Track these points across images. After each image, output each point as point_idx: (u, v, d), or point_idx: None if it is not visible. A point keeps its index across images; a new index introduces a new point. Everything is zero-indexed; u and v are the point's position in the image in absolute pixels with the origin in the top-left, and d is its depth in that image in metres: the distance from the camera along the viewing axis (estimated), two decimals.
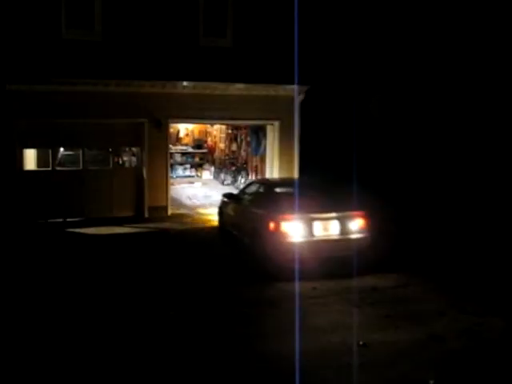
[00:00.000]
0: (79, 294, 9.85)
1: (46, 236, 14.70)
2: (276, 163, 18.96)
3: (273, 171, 19.14)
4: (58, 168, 16.92)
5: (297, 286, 9.84)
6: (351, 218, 11.48)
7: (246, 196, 13.79)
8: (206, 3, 17.59)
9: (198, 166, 27.01)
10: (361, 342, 7.63)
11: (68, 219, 16.42)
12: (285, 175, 18.72)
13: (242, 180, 22.94)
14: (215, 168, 26.76)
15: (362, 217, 11.58)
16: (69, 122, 16.25)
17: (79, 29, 16.20)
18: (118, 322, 8.52)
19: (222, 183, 24.21)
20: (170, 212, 17.68)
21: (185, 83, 17.19)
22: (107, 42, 16.35)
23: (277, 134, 18.85)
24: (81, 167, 16.87)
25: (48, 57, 15.60)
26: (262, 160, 20.83)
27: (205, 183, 24.92)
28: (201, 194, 21.78)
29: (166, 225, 16.29)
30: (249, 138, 22.88)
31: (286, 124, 18.69)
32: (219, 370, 6.94)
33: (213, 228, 15.90)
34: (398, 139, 17.06)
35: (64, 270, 11.29)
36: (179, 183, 23.81)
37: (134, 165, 17.96)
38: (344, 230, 11.35)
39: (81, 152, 16.86)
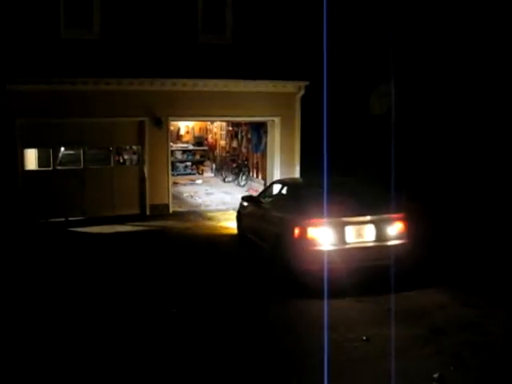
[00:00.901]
0: (80, 293, 9.86)
1: (48, 235, 14.70)
2: (277, 160, 18.94)
3: (274, 168, 19.11)
4: (59, 167, 16.90)
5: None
6: (389, 221, 10.21)
7: (267, 198, 12.74)
8: (204, 0, 17.56)
9: (198, 164, 27.01)
10: None
11: (69, 218, 16.43)
12: (286, 172, 18.69)
13: (244, 177, 22.94)
14: (216, 165, 26.77)
15: (401, 220, 10.29)
16: (69, 121, 16.23)
17: (78, 28, 16.18)
18: (113, 330, 8.39)
19: (224, 180, 24.20)
20: (171, 210, 17.67)
21: (185, 80, 17.16)
22: (106, 40, 16.33)
23: (277, 131, 18.83)
24: (82, 166, 16.86)
25: (47, 56, 15.57)
26: (263, 157, 20.83)
27: (206, 180, 24.92)
28: (202, 192, 21.76)
29: (169, 223, 16.28)
30: (249, 135, 22.87)
31: (286, 120, 18.67)
32: None
33: (217, 227, 15.87)
34: (400, 135, 17.01)
35: (65, 269, 11.32)
36: (180, 181, 23.79)
37: (134, 163, 17.94)
38: (380, 236, 10.10)
39: (81, 151, 16.85)
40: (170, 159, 18.55)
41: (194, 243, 13.93)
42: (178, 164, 25.62)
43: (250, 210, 13.24)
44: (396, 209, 10.49)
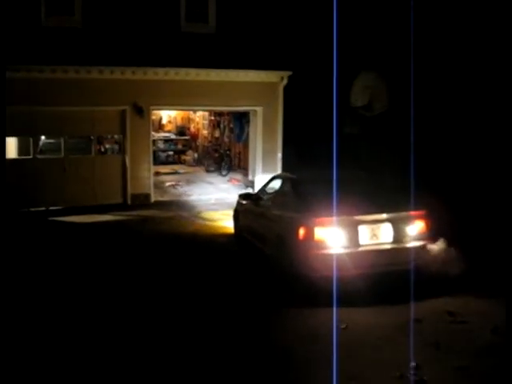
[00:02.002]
0: (49, 287, 9.61)
1: (28, 225, 14.59)
2: (259, 149, 18.92)
3: (256, 158, 19.11)
4: (40, 156, 16.77)
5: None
6: (408, 219, 9.04)
7: (268, 195, 11.41)
8: None
9: (180, 153, 26.91)
10: None
11: (51, 208, 16.32)
12: (268, 162, 18.72)
13: (226, 167, 22.93)
14: (198, 155, 26.70)
15: (422, 218, 9.12)
16: (50, 109, 16.09)
17: (59, 16, 16.05)
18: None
19: (206, 170, 24.15)
20: (153, 199, 17.63)
21: (167, 69, 17.07)
22: (88, 29, 16.20)
23: (260, 121, 18.80)
24: (62, 155, 16.75)
25: (28, 44, 15.41)
26: (246, 146, 20.84)
27: (188, 170, 24.84)
28: (184, 181, 21.71)
29: (150, 212, 16.22)
30: (232, 125, 22.85)
31: (269, 110, 18.65)
32: None
33: (198, 218, 15.81)
34: (384, 127, 17.03)
35: (43, 260, 11.21)
36: (162, 170, 23.71)
37: (116, 152, 17.84)
38: (399, 237, 8.94)
39: (62, 140, 16.74)
40: (152, 148, 18.50)
41: (175, 237, 13.54)
42: (159, 153, 25.52)
43: (249, 209, 12.02)
44: (417, 205, 9.16)
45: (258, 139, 19.01)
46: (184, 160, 26.42)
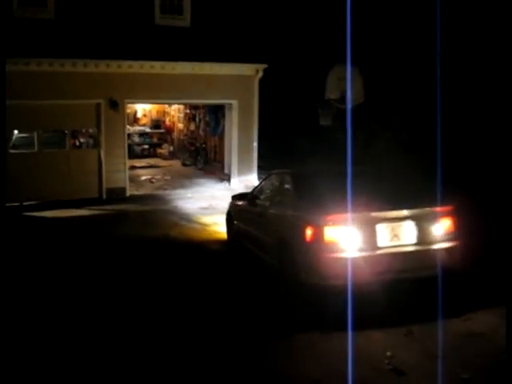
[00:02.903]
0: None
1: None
2: (235, 143, 18.92)
3: (232, 151, 19.11)
4: (12, 151, 16.54)
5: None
6: (433, 216, 7.78)
7: (266, 194, 10.16)
8: None
9: (156, 147, 26.77)
10: None
11: (25, 203, 16.14)
12: (244, 155, 18.73)
13: (201, 160, 22.87)
14: (174, 148, 26.59)
15: (450, 215, 7.86)
16: (22, 103, 15.81)
17: (31, 6, 15.84)
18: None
19: (182, 164, 24.05)
20: (128, 193, 17.54)
21: (141, 62, 16.96)
22: (60, 20, 16.01)
23: (235, 114, 18.78)
24: (36, 150, 16.58)
25: None
26: (221, 140, 20.80)
27: (164, 164, 24.72)
28: (159, 175, 21.61)
29: (125, 207, 16.16)
30: (207, 118, 22.78)
31: (244, 103, 18.64)
32: None
33: (175, 212, 15.76)
34: (360, 119, 17.09)
35: (12, 258, 11.07)
36: (138, 164, 23.57)
37: (91, 146, 17.69)
38: (423, 237, 7.70)
39: (35, 134, 16.56)
40: (127, 142, 18.38)
41: (152, 236, 13.15)
42: (135, 147, 25.34)
43: (244, 211, 10.86)
44: (442, 199, 7.87)
45: (233, 132, 18.99)
46: (160, 153, 26.29)
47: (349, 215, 7.30)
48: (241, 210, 11.18)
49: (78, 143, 18.09)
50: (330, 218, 7.49)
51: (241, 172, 18.92)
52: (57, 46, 15.79)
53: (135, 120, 27.55)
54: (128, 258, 10.89)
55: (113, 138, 17.10)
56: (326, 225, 7.45)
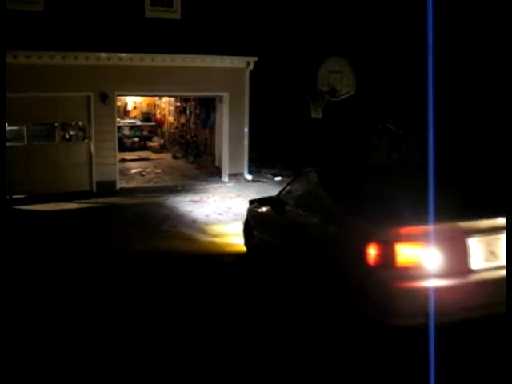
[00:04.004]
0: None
1: None
2: (226, 136, 18.85)
3: (222, 144, 19.05)
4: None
5: None
6: None
7: (298, 199, 7.93)
8: None
9: (146, 140, 26.66)
10: None
11: (14, 196, 16.03)
12: (235, 148, 18.68)
13: (192, 153, 22.79)
14: (165, 141, 26.49)
15: None
16: (11, 96, 15.64)
17: None
18: None
19: (173, 157, 23.96)
20: (118, 186, 17.46)
21: (132, 55, 16.86)
22: (50, 13, 15.88)
23: (226, 106, 18.72)
24: (25, 143, 16.46)
25: None
26: (212, 132, 20.74)
27: (154, 157, 24.63)
28: (150, 168, 21.54)
29: (115, 200, 16.09)
30: (198, 111, 22.70)
31: (235, 96, 18.57)
32: None
33: (166, 205, 15.68)
34: (350, 111, 17.09)
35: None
36: (128, 157, 23.48)
37: (81, 139, 17.58)
38: None
39: (25, 127, 16.44)
40: (117, 135, 18.30)
41: (141, 229, 13.03)
42: (125, 140, 25.22)
43: (268, 220, 8.78)
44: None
45: (224, 125, 18.93)
46: (150, 146, 26.20)
47: (430, 227, 5.32)
48: (263, 218, 9.09)
49: (67, 136, 17.95)
50: (403, 231, 5.47)
51: (232, 165, 18.87)
52: (46, 39, 15.65)
53: (125, 113, 27.43)
54: (115, 257, 10.54)
55: (103, 131, 16.99)
56: (398, 241, 5.43)
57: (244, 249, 10.32)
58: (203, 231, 12.69)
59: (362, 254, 5.68)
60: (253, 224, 9.60)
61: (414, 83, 14.89)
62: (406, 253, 5.49)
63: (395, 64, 15.23)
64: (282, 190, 8.65)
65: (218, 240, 11.88)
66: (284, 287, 7.99)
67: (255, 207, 9.63)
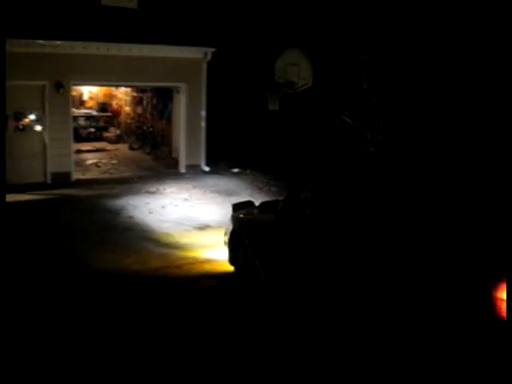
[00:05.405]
0: None
1: None
2: (183, 127, 18.78)
3: (180, 135, 18.98)
4: None
5: None
6: None
7: (331, 205, 6.14)
8: None
9: (103, 130, 26.32)
10: None
11: None
12: (191, 139, 18.62)
13: (149, 144, 22.63)
14: (121, 132, 26.20)
15: None
16: None
17: None
18: None
19: (130, 147, 23.71)
20: (74, 178, 17.23)
21: (87, 43, 16.61)
22: None
23: (183, 97, 18.63)
24: None
25: None
26: (169, 123, 20.63)
27: (111, 147, 24.34)
28: (106, 159, 21.29)
29: (70, 191, 15.88)
30: (155, 101, 22.54)
31: (192, 87, 18.51)
32: None
33: (118, 195, 15.52)
34: (308, 104, 17.16)
35: None
36: (84, 147, 23.14)
37: (35, 129, 17.26)
38: None
39: None
40: (73, 125, 18.04)
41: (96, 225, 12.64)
42: (81, 130, 24.83)
43: (273, 234, 6.98)
44: None
45: (181, 116, 18.86)
46: (106, 137, 25.86)
47: None
48: (263, 231, 7.22)
49: (21, 126, 17.61)
50: None
51: (189, 156, 18.81)
52: None
53: (81, 103, 26.99)
54: (64, 255, 10.30)
55: (58, 121, 16.71)
56: None
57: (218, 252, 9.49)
58: (160, 222, 12.66)
59: (491, 301, 4.34)
60: (245, 236, 7.87)
61: (369, 76, 15.05)
62: None
63: (351, 57, 15.34)
64: (293, 192, 6.80)
65: (173, 232, 11.87)
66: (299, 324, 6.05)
67: (245, 214, 8.24)
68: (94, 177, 18.08)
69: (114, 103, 27.52)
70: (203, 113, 18.75)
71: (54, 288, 8.37)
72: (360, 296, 5.26)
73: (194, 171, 18.58)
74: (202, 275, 8.78)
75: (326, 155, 16.03)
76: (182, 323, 6.84)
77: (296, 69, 16.46)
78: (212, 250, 10.16)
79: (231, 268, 8.68)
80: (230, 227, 8.57)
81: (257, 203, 8.54)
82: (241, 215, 8.42)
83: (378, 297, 5.07)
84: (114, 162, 20.69)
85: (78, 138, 22.87)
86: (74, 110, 19.38)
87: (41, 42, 15.90)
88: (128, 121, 25.83)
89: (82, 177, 17.81)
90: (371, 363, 5.02)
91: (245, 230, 7.91)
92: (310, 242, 6.12)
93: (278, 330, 6.16)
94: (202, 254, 10.19)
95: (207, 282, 8.39)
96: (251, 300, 7.13)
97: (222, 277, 8.50)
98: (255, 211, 8.03)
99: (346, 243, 5.64)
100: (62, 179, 16.74)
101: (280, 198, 7.38)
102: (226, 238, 8.75)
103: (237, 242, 8.07)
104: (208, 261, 9.65)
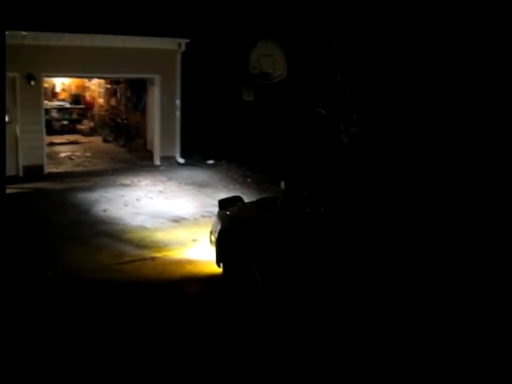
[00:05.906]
0: None
1: None
2: (157, 119, 18.65)
3: (154, 127, 18.84)
4: None
5: None
6: None
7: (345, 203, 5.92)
8: None
9: (76, 122, 26.02)
10: None
11: None
12: (166, 131, 18.50)
13: (124, 136, 22.43)
14: (95, 124, 25.94)
15: None
16: None
17: None
18: None
19: (104, 140, 23.47)
20: (47, 171, 17.00)
21: (59, 34, 16.37)
22: None
23: (157, 89, 18.49)
24: None
25: None
26: (143, 115, 20.48)
27: (84, 140, 24.08)
28: (80, 151, 21.05)
29: (42, 185, 15.66)
30: (129, 93, 22.34)
31: (167, 78, 18.37)
32: None
33: (92, 188, 15.35)
34: (283, 95, 17.12)
35: None
36: (57, 140, 22.86)
37: (6, 122, 16.99)
38: None
39: None
40: (45, 118, 17.80)
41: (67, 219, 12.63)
42: (53, 123, 24.51)
43: (271, 235, 6.55)
44: None
45: (155, 108, 18.73)
46: (80, 130, 25.56)
47: None
48: (261, 231, 6.67)
49: None
50: None
51: (164, 148, 18.69)
52: None
53: (54, 95, 26.63)
54: (34, 252, 10.12)
55: (29, 114, 16.47)
56: None
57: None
58: (134, 215, 12.56)
59: None
60: (236, 237, 7.25)
61: (343, 67, 15.06)
62: None
63: (325, 48, 15.33)
64: (291, 188, 6.22)
65: (149, 224, 11.80)
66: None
67: (241, 212, 7.59)
68: (68, 170, 17.85)
69: (88, 95, 27.21)
70: (178, 104, 18.62)
71: (22, 285, 8.26)
72: (365, 298, 5.16)
73: (168, 163, 18.46)
74: (187, 278, 8.19)
75: (302, 147, 16.02)
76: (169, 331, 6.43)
77: (271, 60, 16.44)
78: (192, 248, 9.90)
79: (218, 270, 7.98)
80: (218, 226, 7.82)
81: (239, 196, 8.28)
82: (233, 213, 7.77)
83: (381, 301, 5.05)
84: (88, 154, 20.46)
85: (51, 130, 22.58)
86: (46, 102, 19.17)
87: (7, 32, 15.59)
88: (102, 113, 25.57)
89: (55, 170, 17.58)
90: (373, 369, 4.96)
91: (238, 230, 7.22)
92: (313, 243, 5.76)
93: (276, 342, 5.71)
94: (181, 251, 9.96)
95: (191, 286, 7.81)
96: (244, 306, 6.54)
97: (208, 280, 7.82)
98: (250, 208, 7.45)
99: (348, 243, 5.50)
100: (35, 172, 16.52)
101: (274, 196, 6.81)
102: (213, 238, 8.02)
103: (227, 243, 7.40)
104: (190, 262, 9.19)
